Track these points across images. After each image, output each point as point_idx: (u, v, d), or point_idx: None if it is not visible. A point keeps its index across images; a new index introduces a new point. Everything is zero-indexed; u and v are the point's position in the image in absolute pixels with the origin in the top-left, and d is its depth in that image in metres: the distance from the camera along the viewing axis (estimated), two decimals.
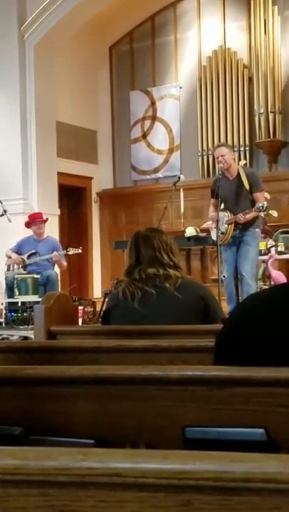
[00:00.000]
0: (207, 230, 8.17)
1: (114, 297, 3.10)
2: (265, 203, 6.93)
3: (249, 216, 6.88)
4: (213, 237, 7.26)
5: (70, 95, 11.68)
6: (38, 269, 8.45)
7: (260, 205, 6.82)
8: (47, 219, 8.75)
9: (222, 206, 7.03)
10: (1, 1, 10.36)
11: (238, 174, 7.01)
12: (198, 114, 11.63)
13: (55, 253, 8.41)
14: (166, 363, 2.26)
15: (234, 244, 7.05)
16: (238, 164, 8.03)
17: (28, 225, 8.74)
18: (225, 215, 7.00)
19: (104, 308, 3.36)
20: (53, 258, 8.44)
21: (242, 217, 6.85)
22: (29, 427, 1.57)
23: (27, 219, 8.85)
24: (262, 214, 7.36)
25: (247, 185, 6.94)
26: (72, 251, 8.74)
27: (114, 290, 3.38)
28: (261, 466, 0.87)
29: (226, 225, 6.96)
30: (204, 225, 9.20)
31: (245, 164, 10.35)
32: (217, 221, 6.95)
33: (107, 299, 8.96)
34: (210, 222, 7.52)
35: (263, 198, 7.12)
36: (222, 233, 6.98)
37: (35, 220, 8.63)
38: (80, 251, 8.99)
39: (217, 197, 6.99)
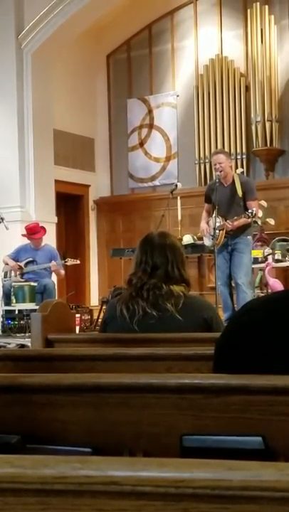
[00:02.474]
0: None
1: (113, 308, 2.95)
2: (255, 208, 6.93)
3: (237, 223, 6.88)
4: (206, 243, 7.29)
5: (67, 103, 11.70)
6: (35, 278, 8.45)
7: (250, 211, 6.84)
8: (43, 229, 8.68)
9: (215, 212, 7.05)
10: None
11: (233, 181, 7.03)
12: (196, 123, 11.67)
13: (53, 263, 8.41)
14: (164, 371, 2.25)
15: (226, 250, 7.04)
16: (235, 172, 8.05)
17: (25, 235, 8.74)
18: (217, 221, 7.02)
19: (103, 316, 3.25)
20: (52, 268, 8.45)
21: (229, 225, 6.86)
22: (26, 435, 1.57)
23: (24, 230, 8.81)
24: (259, 222, 7.37)
25: (240, 192, 6.96)
26: (70, 262, 8.75)
27: (113, 299, 3.22)
28: (258, 474, 0.87)
29: (217, 231, 6.99)
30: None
31: (242, 173, 10.39)
32: (214, 229, 6.96)
33: (105, 308, 8.97)
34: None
35: (256, 206, 7.13)
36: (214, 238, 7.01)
37: (30, 237, 8.61)
38: (78, 262, 9.01)
39: (210, 202, 7.02)
